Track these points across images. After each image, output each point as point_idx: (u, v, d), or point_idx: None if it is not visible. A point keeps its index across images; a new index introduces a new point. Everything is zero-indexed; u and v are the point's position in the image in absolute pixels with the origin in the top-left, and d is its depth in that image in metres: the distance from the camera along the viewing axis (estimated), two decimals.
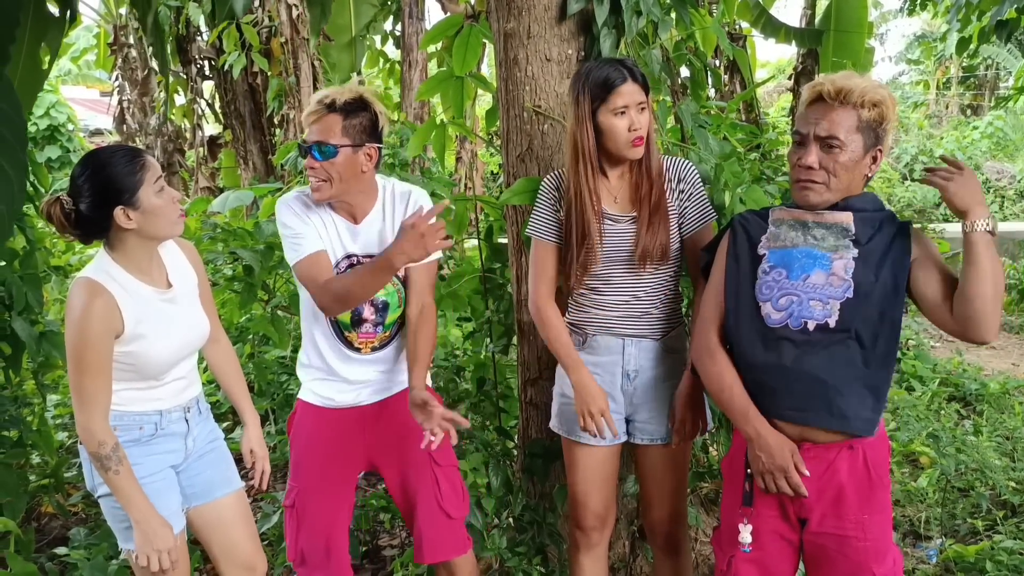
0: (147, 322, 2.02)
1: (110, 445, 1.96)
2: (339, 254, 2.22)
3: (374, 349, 2.28)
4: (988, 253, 1.68)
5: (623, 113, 2.08)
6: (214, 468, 2.25)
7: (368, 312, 2.25)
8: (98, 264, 2.03)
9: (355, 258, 2.23)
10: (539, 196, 2.28)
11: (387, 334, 2.29)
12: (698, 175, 2.28)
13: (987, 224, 1.70)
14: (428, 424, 2.04)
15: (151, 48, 8.72)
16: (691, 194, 2.24)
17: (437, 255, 2.29)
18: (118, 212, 1.96)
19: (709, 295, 2.01)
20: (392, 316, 2.28)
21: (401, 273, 2.27)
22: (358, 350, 2.27)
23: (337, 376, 2.28)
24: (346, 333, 2.26)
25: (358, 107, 2.13)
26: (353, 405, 2.29)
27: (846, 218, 1.84)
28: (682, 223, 2.24)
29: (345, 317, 2.24)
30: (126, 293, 2.00)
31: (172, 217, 2.03)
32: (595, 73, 2.10)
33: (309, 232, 2.18)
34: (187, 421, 2.18)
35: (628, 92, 2.08)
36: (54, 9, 2.12)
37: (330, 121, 2.11)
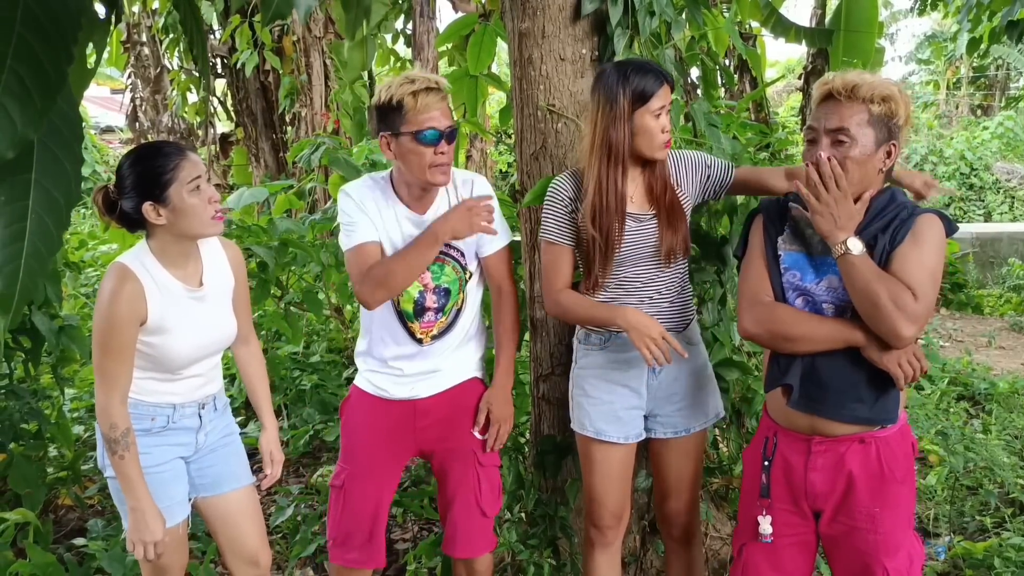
0: (171, 317, 2.05)
1: (121, 429, 1.99)
2: (399, 245, 2.19)
3: (434, 338, 2.27)
4: (854, 275, 1.74)
5: (659, 116, 2.10)
6: (225, 462, 2.27)
7: (430, 300, 2.23)
8: (136, 252, 2.07)
9: None
10: (550, 198, 2.25)
11: (445, 319, 2.27)
12: (689, 152, 2.31)
13: (842, 248, 1.75)
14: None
15: (162, 44, 8.78)
16: (698, 165, 2.27)
17: (507, 238, 2.31)
18: (147, 207, 1.99)
19: (750, 278, 1.97)
20: (452, 302, 2.26)
21: (471, 263, 2.28)
22: (419, 341, 2.26)
23: (393, 369, 2.28)
24: (409, 324, 2.25)
25: None
26: (408, 398, 2.29)
27: None
28: (717, 188, 2.29)
29: (408, 306, 2.23)
30: (155, 285, 2.04)
31: (204, 217, 2.03)
32: (636, 75, 2.09)
33: (363, 221, 2.16)
34: (200, 417, 2.20)
35: (664, 95, 2.11)
36: (100, 9, 2.14)
37: (446, 105, 2.12)
